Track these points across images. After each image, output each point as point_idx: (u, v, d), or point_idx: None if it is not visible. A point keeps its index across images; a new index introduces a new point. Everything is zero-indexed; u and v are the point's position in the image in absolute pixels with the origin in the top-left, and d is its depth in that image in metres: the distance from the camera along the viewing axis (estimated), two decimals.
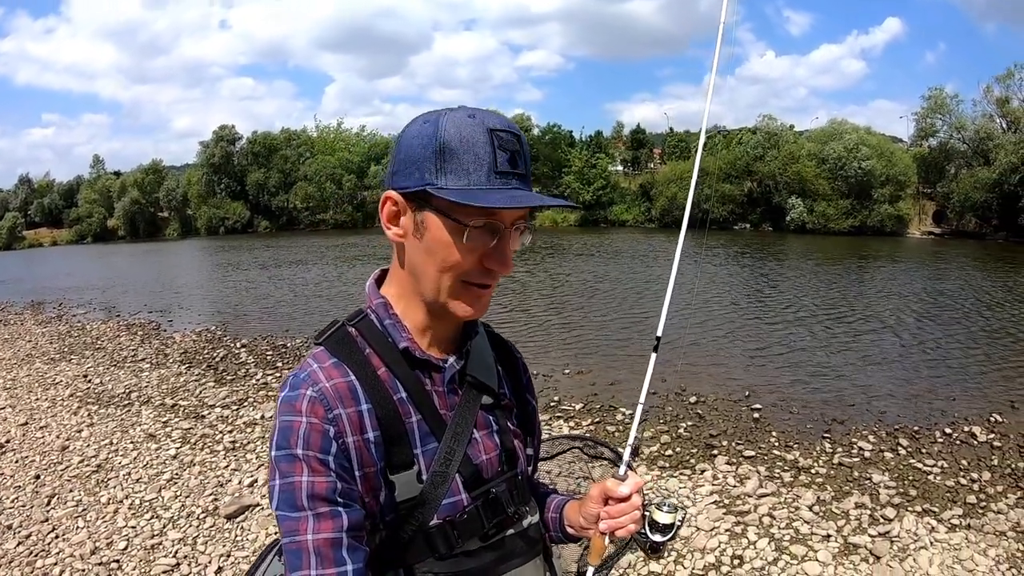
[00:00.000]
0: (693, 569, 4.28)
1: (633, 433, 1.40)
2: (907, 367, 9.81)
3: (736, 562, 4.38)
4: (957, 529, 4.86)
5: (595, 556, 1.26)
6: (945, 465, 6.08)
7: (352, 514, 0.99)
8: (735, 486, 5.53)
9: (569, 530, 1.32)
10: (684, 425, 7.03)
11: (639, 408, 1.44)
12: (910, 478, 5.84)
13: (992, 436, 6.72)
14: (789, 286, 18.18)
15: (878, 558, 4.40)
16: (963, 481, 5.77)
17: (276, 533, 3.36)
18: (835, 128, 42.47)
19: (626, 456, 1.32)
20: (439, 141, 1.00)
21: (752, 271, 21.95)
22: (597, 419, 7.35)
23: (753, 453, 6.34)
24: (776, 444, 6.61)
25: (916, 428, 7.02)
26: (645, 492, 1.21)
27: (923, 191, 40.65)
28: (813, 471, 5.96)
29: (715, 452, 6.34)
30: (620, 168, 57.10)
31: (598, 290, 17.92)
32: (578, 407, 7.74)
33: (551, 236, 39.45)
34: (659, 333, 1.56)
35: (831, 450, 6.43)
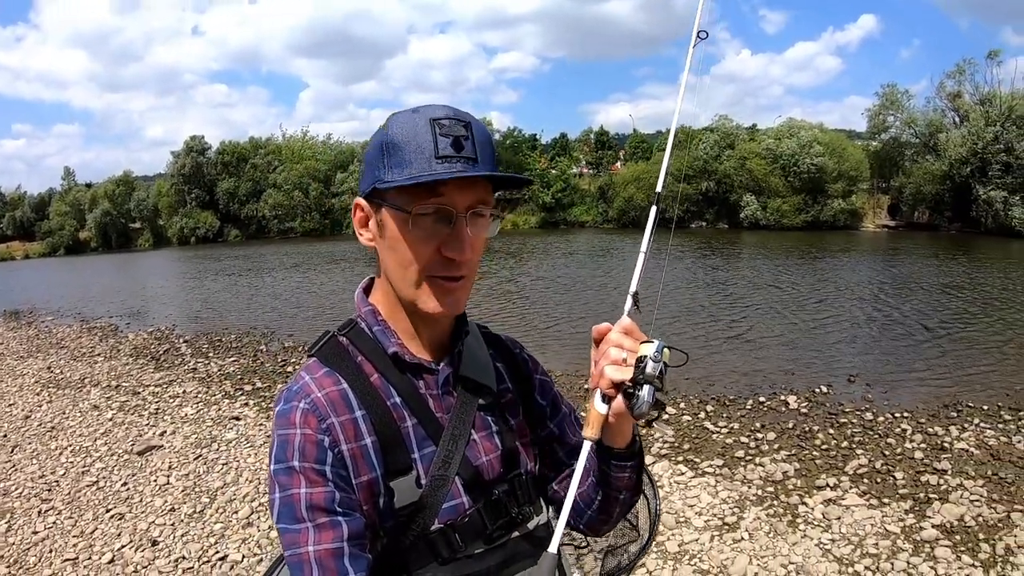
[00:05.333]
0: None
1: (635, 281, 1.28)
2: (768, 347, 10.55)
3: None
4: (705, 475, 5.53)
5: (592, 427, 1.09)
6: (736, 427, 6.82)
7: (352, 523, 1.00)
8: None
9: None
10: None
11: (641, 256, 1.33)
12: (693, 436, 6.64)
13: (805, 404, 7.46)
14: (714, 276, 19.57)
15: None
16: (743, 439, 6.47)
17: (170, 465, 5.44)
18: (790, 126, 43.67)
19: (627, 305, 1.22)
20: (385, 139, 1.02)
21: (694, 264, 22.89)
22: None
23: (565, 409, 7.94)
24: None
25: (732, 397, 7.87)
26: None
27: (879, 186, 41.55)
28: None
29: None
30: (586, 170, 57.91)
31: (550, 287, 18.77)
32: None
33: (511, 237, 40.60)
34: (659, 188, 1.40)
35: None
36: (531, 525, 1.18)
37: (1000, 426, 6.62)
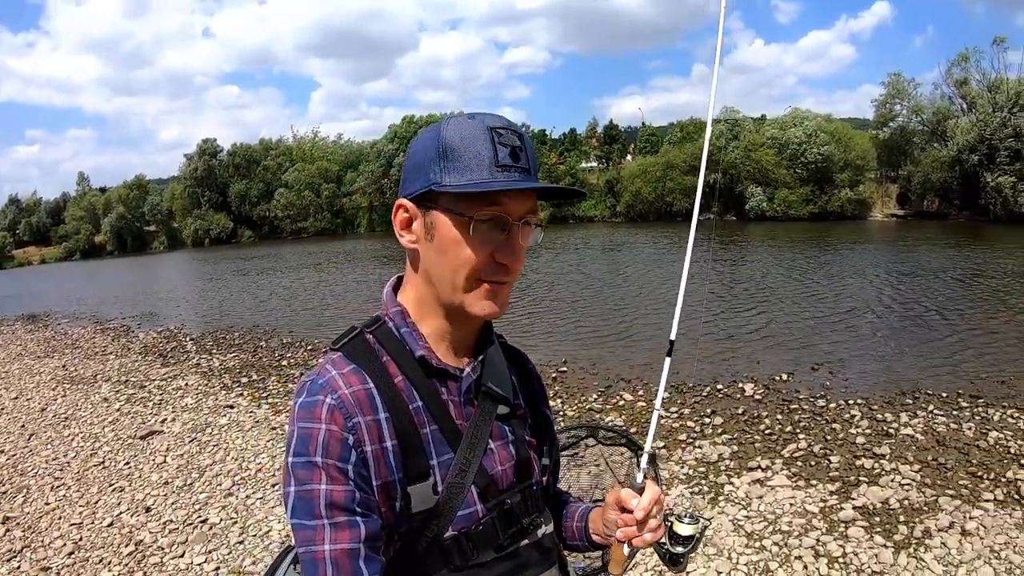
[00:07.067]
0: None
1: (649, 441, 1.33)
2: (740, 337, 10.54)
3: None
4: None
5: (616, 565, 1.25)
6: (687, 412, 7.07)
7: (370, 524, 1.00)
8: None
9: (595, 538, 1.34)
10: None
11: (655, 415, 1.36)
12: (642, 420, 6.84)
13: (761, 391, 7.64)
14: (717, 268, 19.24)
15: None
16: (690, 424, 6.69)
17: (172, 452, 6.11)
18: (795, 116, 43.53)
19: (642, 464, 1.30)
20: (441, 143, 1.03)
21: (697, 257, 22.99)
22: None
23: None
24: (563, 391, 8.26)
25: (691, 384, 7.95)
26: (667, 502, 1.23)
27: (888, 175, 41.15)
28: (564, 413, 7.28)
29: None
30: (595, 164, 57.41)
31: (573, 283, 19.14)
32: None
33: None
34: (672, 336, 1.35)
35: (600, 399, 7.80)
36: (540, 533, 1.21)
37: (954, 413, 6.65)
